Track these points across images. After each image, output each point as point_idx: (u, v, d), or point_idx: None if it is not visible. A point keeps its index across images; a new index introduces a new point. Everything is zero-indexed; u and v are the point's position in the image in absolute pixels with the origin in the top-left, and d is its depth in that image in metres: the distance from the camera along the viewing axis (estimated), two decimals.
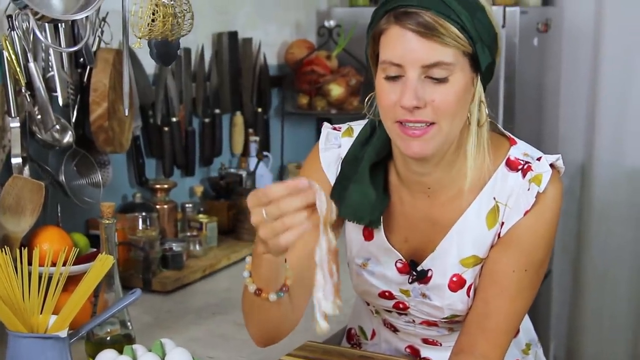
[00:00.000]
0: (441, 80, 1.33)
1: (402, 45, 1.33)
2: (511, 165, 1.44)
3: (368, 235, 1.54)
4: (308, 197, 1.17)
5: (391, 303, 1.55)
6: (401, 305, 1.54)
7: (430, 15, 1.30)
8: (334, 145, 1.55)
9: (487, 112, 1.39)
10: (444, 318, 1.52)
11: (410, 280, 1.51)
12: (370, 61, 1.41)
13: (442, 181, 1.45)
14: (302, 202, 1.17)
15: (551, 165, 1.43)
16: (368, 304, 1.65)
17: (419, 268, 1.50)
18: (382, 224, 1.51)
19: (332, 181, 1.53)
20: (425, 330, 1.57)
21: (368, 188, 1.47)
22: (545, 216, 1.43)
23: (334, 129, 1.58)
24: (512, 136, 1.49)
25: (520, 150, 1.46)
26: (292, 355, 1.63)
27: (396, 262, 1.52)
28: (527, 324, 1.69)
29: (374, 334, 1.69)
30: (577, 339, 3.75)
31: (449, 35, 1.30)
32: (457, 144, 1.42)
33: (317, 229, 1.18)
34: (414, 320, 1.56)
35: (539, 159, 1.44)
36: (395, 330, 1.62)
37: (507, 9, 3.03)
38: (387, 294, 1.54)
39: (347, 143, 1.54)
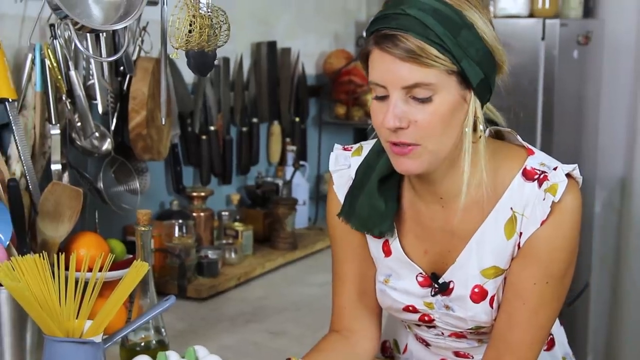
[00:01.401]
0: (424, 101, 1.33)
1: (383, 67, 1.34)
2: (527, 175, 1.43)
3: (387, 252, 1.54)
4: None
5: (416, 316, 1.55)
6: (426, 318, 1.54)
7: (409, 38, 1.31)
8: (344, 165, 1.56)
9: (482, 128, 1.37)
10: (468, 329, 1.52)
11: (432, 293, 1.51)
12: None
13: (453, 190, 1.44)
14: None
15: (568, 176, 1.42)
16: (402, 320, 1.65)
17: (440, 280, 1.50)
18: (397, 235, 1.52)
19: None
20: (455, 343, 1.57)
21: (377, 200, 1.47)
22: (563, 227, 1.41)
23: (344, 149, 1.59)
24: (530, 146, 1.48)
25: (537, 160, 1.45)
26: None
27: (417, 275, 1.52)
28: (562, 337, 1.67)
29: (405, 348, 1.69)
30: (615, 354, 3.70)
31: (428, 56, 1.30)
32: (456, 156, 1.41)
33: None
34: (442, 333, 1.55)
35: (555, 169, 1.42)
36: (427, 344, 1.62)
37: (547, 21, 3.01)
38: (411, 308, 1.54)
39: (356, 162, 1.54)
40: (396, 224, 1.51)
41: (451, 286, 1.49)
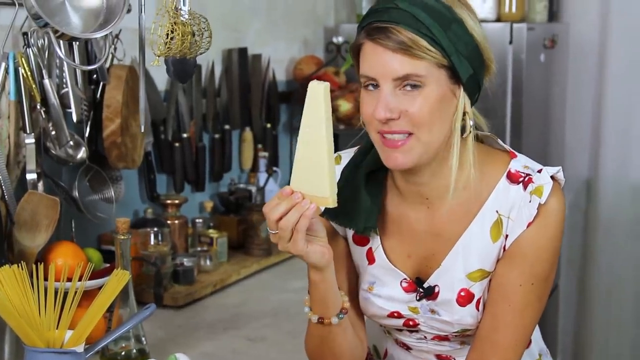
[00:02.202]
0: (414, 92, 1.35)
1: (374, 59, 1.36)
2: (512, 178, 1.45)
3: (371, 259, 1.54)
4: (292, 199, 1.34)
5: (401, 322, 1.55)
6: (411, 323, 1.54)
7: (400, 30, 1.33)
8: None
9: (471, 123, 1.39)
10: (454, 332, 1.52)
11: (417, 298, 1.51)
12: (358, 75, 1.44)
13: (439, 191, 1.45)
14: (287, 204, 1.34)
15: (552, 178, 1.44)
16: (380, 325, 1.66)
17: (425, 285, 1.50)
18: (380, 242, 1.52)
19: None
20: (438, 346, 1.57)
21: (363, 195, 1.48)
22: (549, 228, 1.43)
23: None
24: (512, 150, 1.49)
25: (521, 163, 1.46)
26: None
27: (401, 281, 1.52)
28: (537, 334, 1.68)
29: (386, 353, 1.69)
30: (584, 354, 3.75)
31: (419, 48, 1.33)
32: (445, 154, 1.42)
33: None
34: (425, 337, 1.56)
35: (539, 171, 1.44)
36: (407, 348, 1.62)
37: (514, 25, 3.04)
38: (395, 314, 1.54)
39: (337, 170, 1.54)
40: (379, 228, 1.52)
41: (436, 290, 1.49)
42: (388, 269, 1.52)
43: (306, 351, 1.57)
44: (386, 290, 1.53)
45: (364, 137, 1.48)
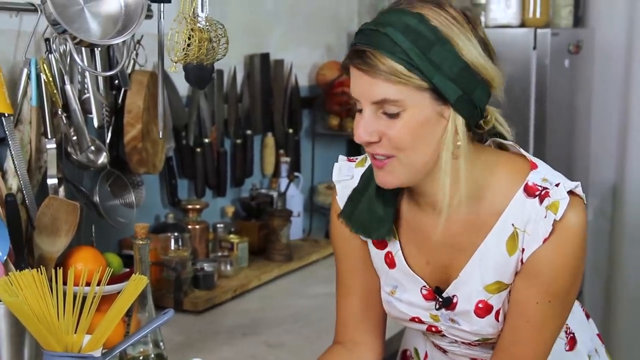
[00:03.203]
0: (393, 116, 1.34)
1: (355, 82, 1.36)
2: (529, 191, 1.42)
3: (390, 263, 1.54)
4: None
5: (424, 327, 1.55)
6: (434, 329, 1.54)
7: (377, 56, 1.32)
8: (347, 177, 1.58)
9: (459, 144, 1.37)
10: (476, 340, 1.52)
11: (437, 307, 1.51)
12: None
13: (449, 202, 1.43)
14: None
15: (572, 193, 1.40)
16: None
17: (444, 294, 1.50)
18: (400, 247, 1.52)
19: None
20: (470, 350, 1.57)
21: (375, 205, 1.49)
22: (566, 246, 1.40)
23: (349, 160, 1.61)
24: (533, 159, 1.46)
25: (540, 175, 1.43)
26: None
27: (421, 288, 1.52)
28: (584, 334, 1.67)
29: (426, 356, 1.70)
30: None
31: (393, 73, 1.31)
32: (439, 171, 1.40)
33: None
34: (456, 341, 1.56)
35: (557, 185, 1.41)
36: (444, 351, 1.62)
37: (538, 30, 3.03)
38: (417, 319, 1.54)
39: (359, 173, 1.56)
40: (398, 235, 1.52)
41: (455, 300, 1.49)
42: (408, 275, 1.52)
43: None
44: (407, 295, 1.54)
45: None
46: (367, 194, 1.50)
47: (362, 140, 1.37)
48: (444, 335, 1.56)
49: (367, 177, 1.52)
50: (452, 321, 1.51)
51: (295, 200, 2.92)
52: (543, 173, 1.44)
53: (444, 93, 1.33)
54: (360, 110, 1.38)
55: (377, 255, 1.56)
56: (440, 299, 1.50)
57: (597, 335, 1.76)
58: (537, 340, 1.43)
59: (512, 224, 1.42)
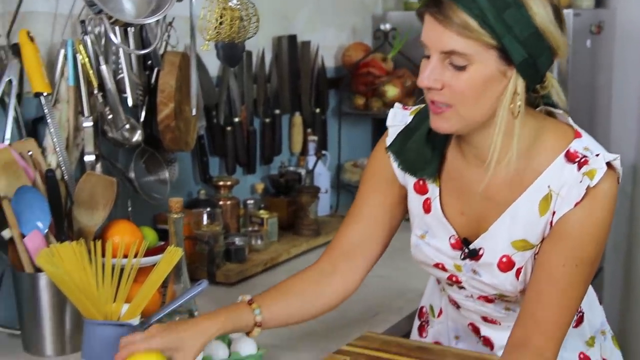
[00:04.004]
0: (458, 68, 1.37)
1: (428, 29, 1.39)
2: (570, 157, 1.44)
3: (427, 209, 1.57)
4: None
5: (445, 275, 1.58)
6: (454, 279, 1.57)
7: (453, 8, 1.34)
8: (401, 123, 1.60)
9: (519, 104, 1.38)
10: (493, 294, 1.54)
11: (462, 257, 1.54)
12: None
13: (498, 159, 1.44)
14: None
15: (609, 165, 1.42)
16: (439, 282, 1.69)
17: (470, 247, 1.53)
18: (438, 194, 1.55)
19: None
20: (483, 307, 1.59)
21: (424, 146, 1.52)
22: (596, 214, 1.42)
23: (404, 108, 1.64)
24: (579, 129, 1.48)
25: (583, 144, 1.45)
26: (352, 345, 1.64)
27: (450, 237, 1.55)
28: (591, 314, 1.67)
29: (440, 312, 1.73)
30: (628, 337, 3.70)
31: (467, 27, 1.33)
32: (493, 127, 1.42)
33: None
34: (472, 295, 1.58)
35: (597, 155, 1.42)
36: (457, 307, 1.65)
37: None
38: (440, 265, 1.57)
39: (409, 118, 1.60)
40: (439, 181, 1.55)
41: (481, 252, 1.51)
42: (441, 222, 1.55)
43: None
44: (435, 241, 1.57)
45: None
46: (419, 133, 1.53)
47: (424, 85, 1.39)
48: (462, 288, 1.57)
49: (421, 118, 1.55)
50: (473, 272, 1.53)
51: (322, 177, 2.93)
52: (586, 142, 1.46)
53: (511, 54, 1.35)
54: (428, 57, 1.40)
55: (416, 200, 1.59)
56: (466, 250, 1.52)
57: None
58: (561, 305, 1.44)
59: (548, 186, 1.44)
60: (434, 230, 1.57)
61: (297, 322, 1.66)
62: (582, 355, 1.63)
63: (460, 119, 1.40)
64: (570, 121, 1.49)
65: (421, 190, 1.58)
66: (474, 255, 1.52)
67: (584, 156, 1.43)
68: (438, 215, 1.55)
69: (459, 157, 1.53)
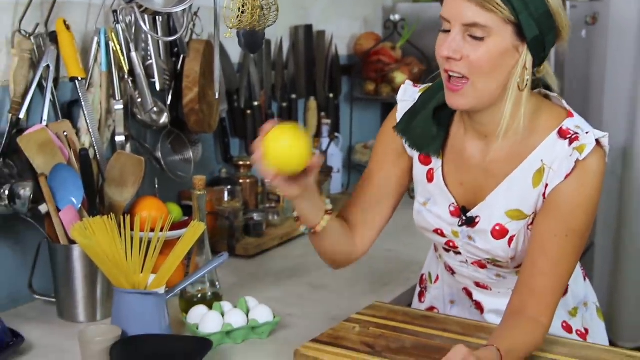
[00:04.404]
0: (478, 40, 1.35)
1: (451, 3, 1.38)
2: (562, 134, 1.44)
3: (430, 178, 1.57)
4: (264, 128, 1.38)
5: (443, 240, 1.58)
6: (451, 244, 1.57)
7: None
8: (410, 98, 1.59)
9: (527, 79, 1.38)
10: (486, 258, 1.54)
11: (459, 224, 1.54)
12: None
13: (495, 131, 1.45)
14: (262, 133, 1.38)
15: (598, 142, 1.42)
16: (436, 250, 1.69)
17: (468, 214, 1.52)
18: (441, 165, 1.54)
19: None
20: (476, 273, 1.59)
21: (430, 124, 1.52)
22: (585, 187, 1.41)
23: (414, 85, 1.63)
24: (571, 110, 1.48)
25: (574, 122, 1.46)
26: (361, 314, 1.63)
27: (450, 205, 1.55)
28: (575, 286, 1.66)
29: (437, 278, 1.74)
30: (617, 307, 3.69)
31: (490, 2, 1.33)
32: (502, 100, 1.41)
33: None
34: (467, 261, 1.58)
35: (587, 133, 1.43)
36: (453, 272, 1.65)
37: None
38: (439, 231, 1.57)
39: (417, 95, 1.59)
40: (442, 154, 1.54)
41: (477, 220, 1.51)
42: (442, 191, 1.55)
43: None
44: (436, 208, 1.57)
45: (438, 77, 1.50)
46: (425, 112, 1.52)
47: (444, 55, 1.38)
48: (458, 253, 1.58)
49: (427, 97, 1.55)
50: (469, 238, 1.53)
51: (335, 158, 2.91)
52: (577, 121, 1.46)
53: (525, 30, 1.35)
54: (445, 31, 1.39)
55: (420, 170, 1.58)
56: (464, 217, 1.52)
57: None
58: (553, 274, 1.43)
59: (542, 160, 1.44)
60: (435, 198, 1.56)
61: (332, 255, 1.62)
62: (564, 324, 1.62)
63: (476, 94, 1.39)
64: (564, 103, 1.49)
65: (425, 161, 1.57)
66: (471, 222, 1.52)
67: (575, 133, 1.43)
68: (440, 184, 1.55)
69: (461, 132, 1.53)
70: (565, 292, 1.63)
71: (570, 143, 1.42)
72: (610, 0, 3.47)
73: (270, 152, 1.36)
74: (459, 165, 1.53)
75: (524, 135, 1.45)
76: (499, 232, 1.49)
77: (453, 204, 1.54)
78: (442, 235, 1.58)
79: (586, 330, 1.66)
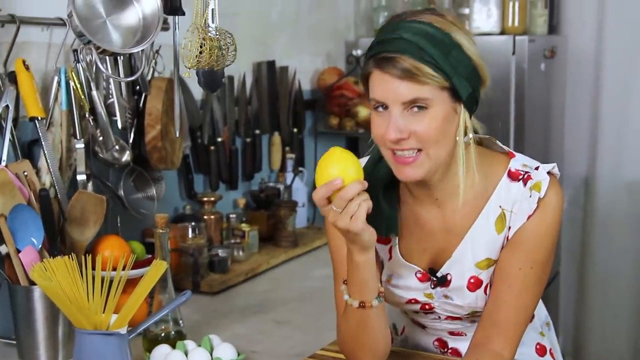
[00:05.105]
0: (421, 113, 1.35)
1: (383, 86, 1.35)
2: (512, 176, 1.45)
3: (390, 255, 1.55)
4: (363, 184, 1.34)
5: (418, 306, 1.56)
6: (427, 307, 1.55)
7: (406, 59, 1.32)
8: None
9: (470, 136, 1.39)
10: (465, 314, 1.53)
11: (432, 286, 1.52)
12: (368, 99, 1.42)
13: (447, 192, 1.46)
14: (360, 187, 1.33)
15: (549, 173, 1.44)
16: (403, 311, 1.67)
17: (438, 274, 1.51)
18: (397, 242, 1.52)
19: None
20: (451, 325, 1.58)
21: (382, 204, 1.47)
22: (547, 219, 1.43)
23: None
24: (510, 150, 1.50)
25: (519, 162, 1.47)
26: (326, 349, 1.63)
27: (415, 273, 1.53)
28: (538, 309, 1.67)
29: (403, 329, 1.71)
30: (583, 336, 3.71)
31: (424, 75, 1.32)
32: (450, 161, 1.42)
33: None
34: (439, 317, 1.56)
35: (536, 168, 1.45)
36: (423, 327, 1.62)
37: (517, 37, 3.02)
38: (413, 300, 1.55)
39: None
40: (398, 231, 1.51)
41: (449, 278, 1.50)
42: (403, 265, 1.53)
43: (339, 342, 1.53)
44: (402, 281, 1.54)
45: (374, 148, 1.48)
46: (372, 195, 1.44)
47: (392, 139, 1.35)
48: (431, 312, 1.55)
49: (371, 179, 1.45)
50: (445, 297, 1.51)
51: (300, 192, 2.92)
52: (521, 160, 1.48)
53: (460, 91, 1.35)
54: (382, 112, 1.36)
55: (382, 250, 1.56)
56: (434, 279, 1.51)
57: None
58: (518, 305, 1.44)
59: (500, 206, 1.45)
60: (398, 272, 1.54)
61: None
62: (538, 346, 1.64)
63: (431, 162, 1.37)
64: (499, 144, 1.50)
65: (384, 241, 1.54)
66: (444, 281, 1.50)
67: (526, 172, 1.44)
68: (398, 260, 1.53)
69: (409, 201, 1.51)
70: (533, 315, 1.64)
71: (525, 183, 1.43)
72: (568, 34, 3.54)
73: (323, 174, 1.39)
74: (418, 236, 1.51)
75: (476, 186, 1.45)
76: (474, 284, 1.48)
77: (419, 271, 1.52)
78: (417, 302, 1.55)
79: (551, 349, 1.67)
